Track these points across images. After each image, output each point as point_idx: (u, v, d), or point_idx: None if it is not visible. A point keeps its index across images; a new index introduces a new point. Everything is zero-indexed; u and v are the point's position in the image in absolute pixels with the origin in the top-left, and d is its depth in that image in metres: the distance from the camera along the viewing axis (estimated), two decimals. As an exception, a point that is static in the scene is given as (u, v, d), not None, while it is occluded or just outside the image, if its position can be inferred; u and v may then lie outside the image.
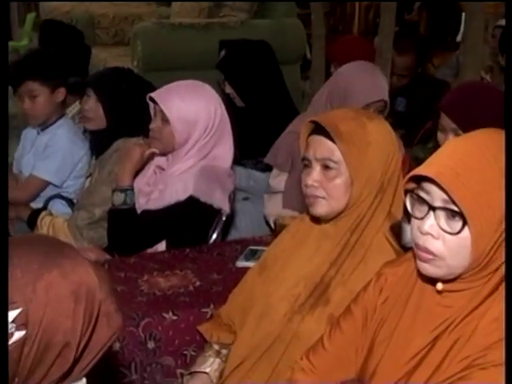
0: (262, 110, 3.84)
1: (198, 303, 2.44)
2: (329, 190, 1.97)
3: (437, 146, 2.69)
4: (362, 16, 8.88)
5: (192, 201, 2.80)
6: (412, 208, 1.56)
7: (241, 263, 2.65)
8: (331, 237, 2.02)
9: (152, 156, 2.96)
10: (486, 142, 1.54)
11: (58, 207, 3.46)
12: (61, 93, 3.51)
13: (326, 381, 1.77)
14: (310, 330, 1.95)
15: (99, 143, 3.35)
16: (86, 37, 5.22)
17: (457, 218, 1.47)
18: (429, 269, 1.54)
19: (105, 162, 3.22)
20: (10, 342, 1.19)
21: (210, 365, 2.14)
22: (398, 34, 4.76)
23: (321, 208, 1.99)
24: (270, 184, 3.42)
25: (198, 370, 2.15)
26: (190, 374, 2.17)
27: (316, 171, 1.98)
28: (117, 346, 2.29)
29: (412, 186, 1.56)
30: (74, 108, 3.98)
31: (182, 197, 2.80)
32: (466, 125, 2.51)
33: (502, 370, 1.45)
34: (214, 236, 2.97)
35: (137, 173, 2.97)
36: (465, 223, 1.46)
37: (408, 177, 1.55)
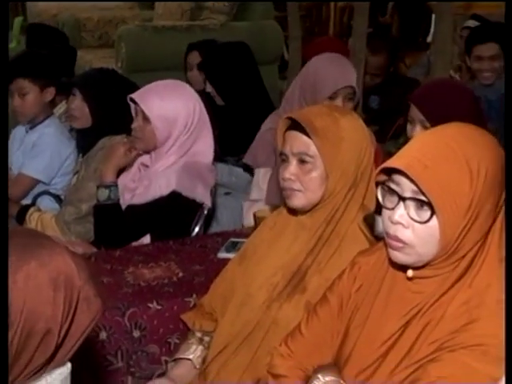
0: (242, 109, 3.84)
1: (181, 293, 2.43)
2: (305, 183, 1.97)
3: (408, 140, 2.70)
4: (337, 18, 8.89)
5: (175, 195, 2.80)
6: (383, 199, 1.57)
7: (222, 254, 2.65)
8: (307, 228, 2.03)
9: (137, 155, 2.96)
10: (454, 135, 1.54)
11: (46, 203, 3.45)
12: (49, 92, 3.50)
13: (303, 365, 1.77)
14: (288, 317, 1.95)
15: (85, 141, 3.34)
16: (73, 39, 5.21)
17: (425, 208, 1.48)
18: (399, 256, 1.55)
19: (91, 160, 3.22)
20: None
21: (193, 352, 2.14)
22: (370, 35, 4.78)
23: (297, 200, 1.99)
24: (261, 187, 3.33)
25: (181, 356, 2.15)
26: (174, 360, 2.17)
27: (292, 165, 1.98)
28: (103, 335, 2.29)
29: (383, 178, 1.57)
30: (60, 108, 3.97)
31: (165, 192, 2.80)
32: (434, 117, 2.53)
33: (471, 352, 1.47)
34: (197, 229, 2.97)
35: (122, 170, 2.98)
36: (433, 212, 1.47)
37: (379, 169, 1.56)
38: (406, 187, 1.50)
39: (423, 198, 1.47)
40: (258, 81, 4.00)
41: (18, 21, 8.03)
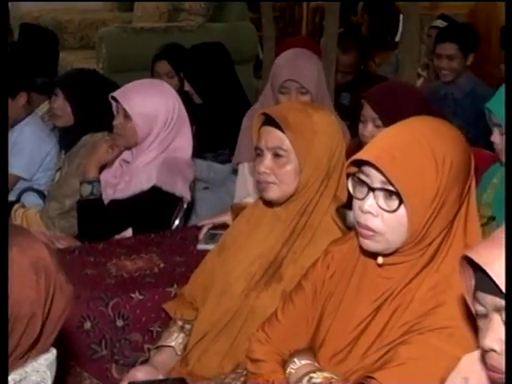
0: (219, 106, 3.84)
1: (162, 283, 2.43)
2: (280, 176, 1.98)
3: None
4: (310, 19, 8.89)
5: (155, 190, 2.80)
6: (354, 190, 1.58)
7: (201, 246, 2.65)
8: (283, 219, 2.03)
9: (119, 152, 2.96)
10: (419, 127, 1.56)
11: (31, 199, 3.43)
12: (22, 97, 3.48)
13: (280, 350, 1.78)
14: (265, 305, 1.96)
15: (68, 139, 3.34)
16: (54, 41, 5.16)
17: (394, 198, 1.50)
18: (370, 244, 1.56)
19: (73, 156, 3.22)
20: None
21: (174, 339, 2.14)
22: (341, 35, 4.79)
23: (273, 193, 2.00)
24: (248, 180, 3.24)
25: (163, 344, 2.14)
26: (157, 348, 2.17)
27: (268, 159, 1.99)
28: (88, 324, 2.29)
29: (353, 169, 1.58)
30: (43, 107, 3.94)
31: (146, 186, 2.80)
32: (385, 115, 2.55)
33: (438, 334, 1.49)
34: (177, 222, 2.97)
35: (104, 166, 2.98)
36: (401, 202, 1.49)
37: (349, 161, 1.57)
38: (375, 178, 1.52)
39: (391, 188, 1.49)
40: (234, 79, 4.00)
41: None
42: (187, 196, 2.93)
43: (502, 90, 2.39)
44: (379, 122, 2.61)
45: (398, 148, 1.51)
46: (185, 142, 2.97)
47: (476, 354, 1.35)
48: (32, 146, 3.47)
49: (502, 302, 1.16)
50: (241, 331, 2.00)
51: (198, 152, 3.42)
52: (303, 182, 1.97)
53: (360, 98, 2.81)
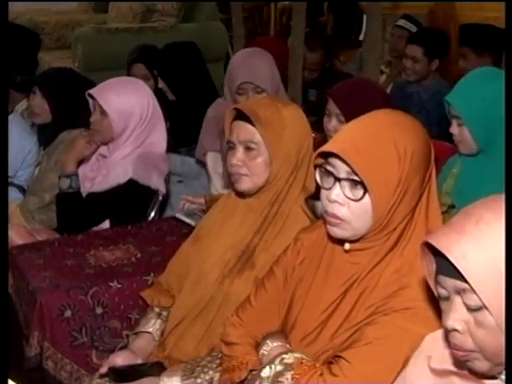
0: (192, 103, 3.84)
1: (139, 272, 2.43)
2: (251, 168, 1.98)
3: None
4: (277, 20, 8.90)
5: (132, 183, 2.80)
6: (321, 180, 1.59)
7: (179, 215, 2.66)
8: (254, 209, 2.04)
9: (96, 147, 2.95)
10: (382, 120, 1.57)
11: (12, 194, 3.39)
12: None
13: (253, 333, 1.79)
14: (239, 291, 1.96)
15: (46, 135, 3.32)
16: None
17: (359, 187, 1.51)
18: (337, 232, 1.57)
19: (52, 152, 3.20)
20: None
21: (152, 325, 2.14)
22: (308, 34, 4.80)
23: (244, 184, 2.00)
24: (216, 171, 3.29)
25: (141, 330, 2.14)
26: (135, 334, 2.16)
27: (239, 152, 1.99)
28: (68, 313, 2.29)
29: (320, 161, 1.59)
30: (22, 105, 3.91)
31: (123, 180, 2.80)
32: (348, 111, 2.56)
33: (402, 315, 1.50)
34: (152, 214, 2.96)
35: (82, 161, 2.96)
36: (365, 191, 1.50)
37: (316, 153, 1.58)
38: (341, 169, 1.53)
39: (356, 178, 1.50)
40: (206, 77, 3.99)
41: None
42: (162, 189, 2.93)
43: (461, 83, 2.42)
44: (342, 117, 2.63)
45: (362, 140, 1.52)
46: (159, 138, 2.96)
47: (439, 332, 1.37)
48: (15, 144, 3.44)
49: (463, 285, 1.17)
50: (215, 316, 2.00)
51: (172, 147, 3.41)
52: (273, 173, 1.98)
53: (325, 94, 2.83)
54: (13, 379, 1.29)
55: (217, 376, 1.83)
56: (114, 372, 1.97)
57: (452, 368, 1.32)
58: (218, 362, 1.87)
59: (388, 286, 1.55)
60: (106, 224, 2.87)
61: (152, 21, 6.38)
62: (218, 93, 4.02)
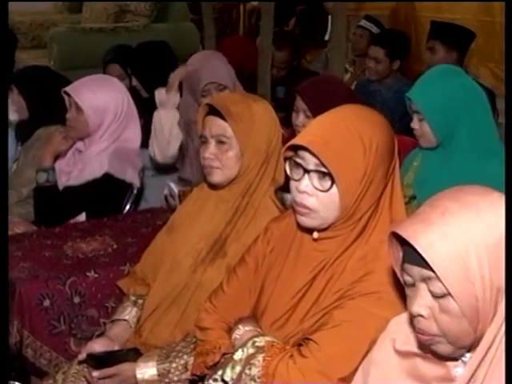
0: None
1: (116, 262, 2.43)
2: (223, 161, 1.98)
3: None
4: (246, 20, 8.90)
5: (107, 177, 2.79)
6: (291, 172, 1.60)
7: (171, 184, 2.72)
8: (226, 201, 2.04)
9: (72, 143, 2.93)
10: (349, 115, 1.59)
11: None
12: None
13: (226, 318, 1.79)
14: (212, 279, 1.96)
15: (23, 132, 3.28)
16: (7, 42, 5.05)
17: (326, 178, 1.52)
18: (306, 221, 1.59)
19: (29, 148, 3.18)
20: None
21: (128, 313, 2.13)
22: (276, 34, 4.81)
23: (217, 176, 2.01)
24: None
25: (118, 318, 2.13)
26: (112, 321, 2.15)
27: (212, 146, 1.99)
28: (47, 302, 2.28)
29: (290, 154, 1.60)
30: (-1, 102, 3.86)
31: (99, 174, 2.78)
32: (314, 107, 2.58)
33: (368, 299, 1.52)
34: (128, 207, 2.95)
35: (59, 155, 2.95)
36: (333, 182, 1.51)
37: (286, 146, 1.59)
38: (310, 161, 1.54)
39: (324, 169, 1.51)
40: (178, 75, 3.98)
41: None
42: (137, 182, 2.93)
43: (421, 80, 2.44)
44: (309, 113, 2.65)
45: (329, 134, 1.53)
46: (134, 133, 2.96)
47: (403, 315, 1.39)
48: None
49: (428, 273, 1.18)
50: (189, 303, 2.01)
51: (146, 142, 3.40)
52: (244, 166, 1.99)
53: (293, 91, 2.85)
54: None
55: (191, 360, 1.83)
56: (92, 358, 1.97)
57: (415, 350, 1.33)
58: (192, 346, 1.87)
59: (354, 272, 1.56)
60: (83, 217, 2.85)
61: (125, 21, 6.35)
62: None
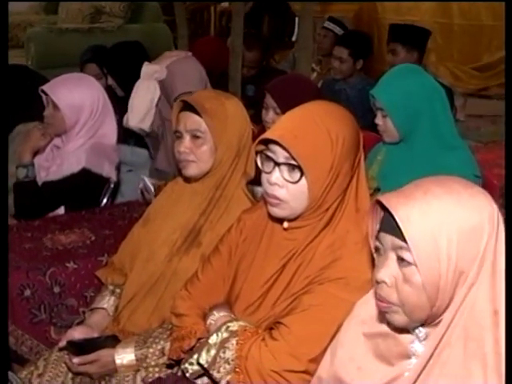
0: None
1: (94, 254, 2.42)
2: (198, 154, 1.99)
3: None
4: (217, 21, 8.88)
5: (85, 172, 2.77)
6: (262, 165, 1.61)
7: (146, 179, 2.70)
8: (200, 193, 2.05)
9: (50, 139, 2.91)
10: (316, 110, 1.60)
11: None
12: None
13: (201, 305, 1.79)
14: (187, 268, 1.97)
15: (2, 128, 3.25)
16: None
17: (296, 171, 1.53)
18: (277, 211, 1.60)
19: (9, 144, 3.13)
20: None
21: (106, 302, 2.13)
22: (246, 34, 4.81)
23: (192, 170, 2.01)
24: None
25: (97, 306, 2.13)
26: (91, 310, 2.15)
27: (186, 140, 1.99)
28: (28, 292, 2.26)
29: (261, 148, 1.60)
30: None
31: (76, 169, 2.76)
32: (283, 104, 2.60)
33: (335, 284, 1.54)
34: (105, 200, 2.94)
35: (38, 151, 2.92)
36: (302, 174, 1.53)
37: (257, 140, 1.60)
38: (280, 154, 1.55)
39: (294, 162, 1.53)
40: (151, 74, 3.96)
41: None
42: (114, 177, 2.91)
43: (384, 78, 2.46)
44: (279, 110, 2.66)
45: (298, 128, 1.55)
46: (110, 130, 2.94)
47: (367, 297, 1.41)
48: None
49: (400, 243, 1.21)
50: (165, 291, 2.01)
51: (122, 138, 3.39)
52: (218, 159, 1.99)
53: (263, 90, 2.85)
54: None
55: (168, 345, 1.83)
56: (72, 345, 1.96)
57: (377, 330, 1.36)
58: (168, 332, 1.87)
59: (322, 259, 1.58)
60: (61, 210, 2.83)
61: (100, 22, 6.31)
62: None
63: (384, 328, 1.34)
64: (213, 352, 1.61)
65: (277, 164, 1.56)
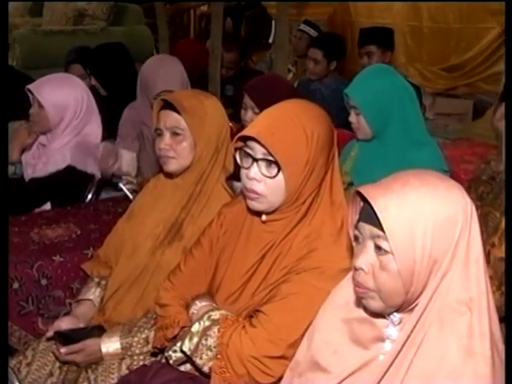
0: (122, 98, 3.79)
1: (80, 247, 2.41)
2: (178, 151, 1.99)
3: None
4: (197, 24, 8.87)
5: (70, 169, 2.76)
6: (241, 161, 1.62)
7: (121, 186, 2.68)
8: (181, 188, 2.05)
9: (36, 137, 2.89)
10: (292, 108, 1.61)
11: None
12: None
13: (183, 295, 1.80)
14: (170, 260, 1.97)
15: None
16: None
17: (273, 166, 1.54)
18: (255, 205, 1.61)
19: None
20: None
21: (92, 293, 2.12)
22: (225, 37, 4.81)
23: (172, 165, 2.01)
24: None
25: (83, 298, 2.13)
26: (77, 301, 2.14)
27: (167, 137, 1.99)
28: (16, 285, 2.25)
29: (240, 144, 1.61)
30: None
31: (62, 166, 2.75)
32: (261, 103, 2.60)
33: (311, 274, 1.55)
34: (89, 196, 2.92)
35: (24, 149, 2.91)
36: (279, 169, 1.54)
37: (236, 137, 1.61)
38: (258, 150, 1.56)
39: (271, 158, 1.54)
40: (134, 75, 3.92)
41: None
42: (98, 173, 2.90)
43: (357, 78, 2.47)
44: (257, 109, 2.66)
45: (275, 125, 1.55)
46: (94, 128, 2.93)
47: (343, 283, 1.43)
48: None
49: (378, 232, 1.22)
50: (149, 283, 2.01)
51: (106, 137, 3.37)
52: (197, 155, 2.00)
53: (241, 90, 2.86)
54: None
55: (152, 334, 1.84)
56: (60, 335, 1.96)
57: (353, 315, 1.37)
58: (152, 322, 1.87)
59: (299, 250, 1.59)
60: (48, 206, 2.82)
61: (84, 24, 6.27)
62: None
63: (360, 313, 1.35)
64: (195, 340, 1.61)
65: (255, 160, 1.57)
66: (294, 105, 1.64)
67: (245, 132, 1.58)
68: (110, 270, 2.16)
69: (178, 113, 1.96)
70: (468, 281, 1.22)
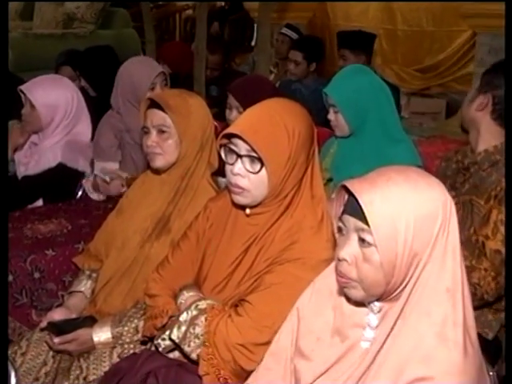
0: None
1: (71, 241, 2.41)
2: (164, 147, 1.99)
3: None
4: (182, 27, 8.85)
5: (61, 166, 2.75)
6: (226, 157, 1.62)
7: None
8: (168, 183, 2.04)
9: (28, 136, 2.87)
10: (275, 106, 1.61)
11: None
12: None
13: (171, 286, 1.80)
14: (158, 253, 1.97)
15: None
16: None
17: (256, 162, 1.55)
18: (240, 199, 1.61)
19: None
20: None
21: (83, 285, 2.12)
22: (209, 39, 4.80)
23: (159, 162, 2.01)
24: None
25: (74, 290, 2.12)
26: (69, 293, 2.14)
27: (153, 135, 1.99)
28: (10, 278, 2.24)
29: (225, 141, 1.61)
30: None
31: (53, 164, 2.74)
32: (245, 102, 2.59)
33: (294, 264, 1.55)
34: (80, 193, 2.91)
35: (17, 148, 2.89)
36: (262, 165, 1.54)
37: (221, 134, 1.61)
38: (242, 147, 1.56)
39: (254, 154, 1.54)
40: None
41: None
42: (88, 171, 2.89)
43: (336, 77, 2.47)
44: (241, 109, 2.66)
45: (258, 123, 1.56)
46: (84, 128, 2.92)
47: (327, 271, 1.43)
48: None
49: (362, 225, 1.22)
50: (138, 275, 2.01)
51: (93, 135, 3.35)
52: (183, 152, 2.00)
53: (225, 90, 2.85)
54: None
55: (141, 323, 1.84)
56: (53, 326, 1.95)
57: (335, 302, 1.37)
58: (142, 312, 1.87)
59: (281, 242, 1.60)
60: (40, 203, 2.81)
61: (73, 27, 6.23)
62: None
63: (342, 301, 1.36)
64: (183, 328, 1.62)
65: (239, 156, 1.57)
66: (276, 103, 1.64)
67: (229, 129, 1.58)
68: (101, 263, 2.15)
69: (164, 111, 1.95)
70: (445, 272, 1.23)
